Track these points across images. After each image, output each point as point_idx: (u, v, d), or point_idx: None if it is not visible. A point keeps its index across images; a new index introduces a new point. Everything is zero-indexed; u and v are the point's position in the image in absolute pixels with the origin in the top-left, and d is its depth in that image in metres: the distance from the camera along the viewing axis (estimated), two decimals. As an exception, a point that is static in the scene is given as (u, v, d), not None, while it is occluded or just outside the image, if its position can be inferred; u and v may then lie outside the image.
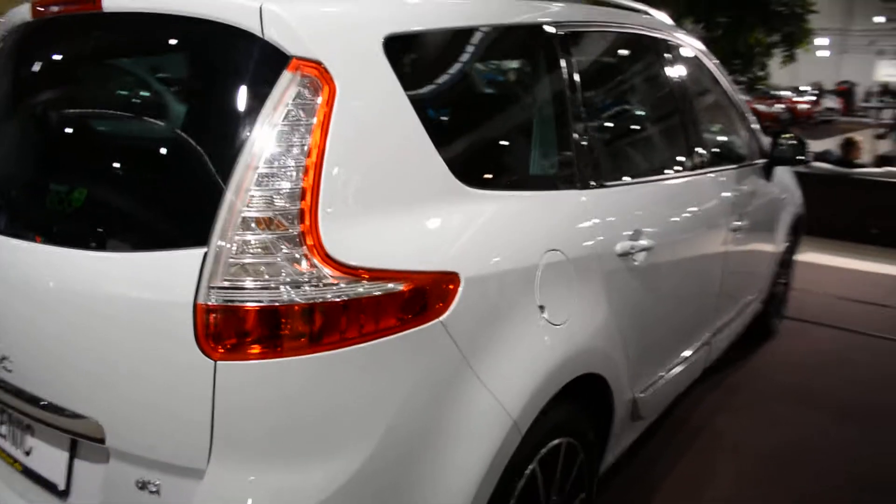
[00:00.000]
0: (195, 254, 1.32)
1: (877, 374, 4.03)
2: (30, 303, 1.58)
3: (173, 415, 1.38)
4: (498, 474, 1.63)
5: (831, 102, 30.12)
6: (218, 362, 1.31)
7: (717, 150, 3.24)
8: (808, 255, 6.42)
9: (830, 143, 10.64)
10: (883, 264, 6.48)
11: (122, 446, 1.45)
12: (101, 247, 1.50)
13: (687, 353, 2.86)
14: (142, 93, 1.74)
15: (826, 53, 42.81)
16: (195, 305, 1.31)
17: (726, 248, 3.04)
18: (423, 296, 1.46)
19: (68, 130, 1.82)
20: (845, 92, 31.86)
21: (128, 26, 1.63)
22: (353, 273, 1.36)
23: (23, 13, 1.86)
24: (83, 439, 1.54)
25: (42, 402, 1.56)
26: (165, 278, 1.35)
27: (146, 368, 1.39)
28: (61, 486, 1.61)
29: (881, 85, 34.57)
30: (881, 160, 9.51)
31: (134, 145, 1.64)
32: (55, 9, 1.72)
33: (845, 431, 3.33)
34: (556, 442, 1.87)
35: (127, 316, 1.39)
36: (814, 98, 27.92)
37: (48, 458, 1.65)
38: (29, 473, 1.69)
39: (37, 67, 1.88)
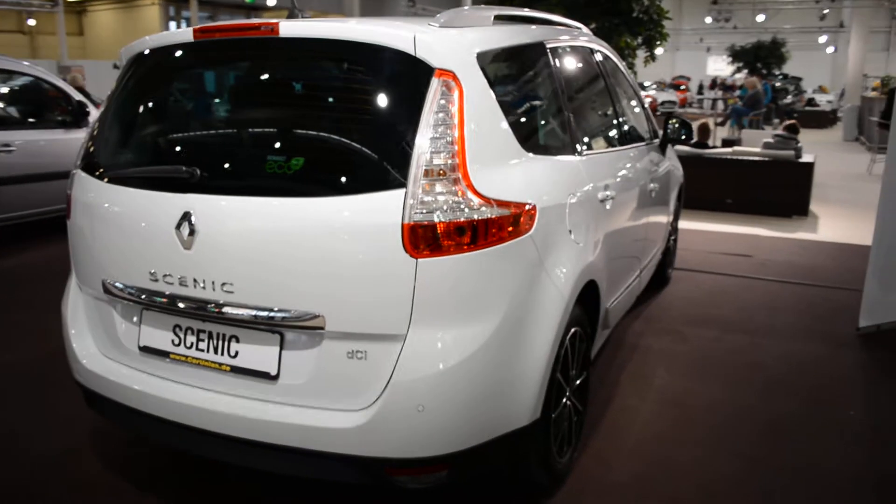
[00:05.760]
0: (398, 193, 2.09)
1: (748, 302, 5.25)
2: (258, 242, 2.18)
3: (385, 299, 2.11)
4: (559, 339, 2.48)
5: (670, 96, 33.16)
6: (418, 259, 2.08)
7: (635, 130, 4.25)
8: (681, 223, 7.71)
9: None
10: (739, 226, 7.92)
11: (341, 328, 2.14)
12: (329, 193, 2.14)
13: (630, 279, 3.85)
14: (336, 94, 2.43)
15: (660, 50, 46.59)
16: (402, 224, 2.08)
17: (646, 202, 4.05)
18: (521, 217, 2.30)
19: (289, 120, 2.44)
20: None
21: (300, 46, 2.36)
22: (489, 201, 2.18)
23: (173, 37, 2.55)
24: (307, 331, 2.19)
25: (264, 311, 2.20)
26: (381, 209, 2.09)
27: (366, 270, 2.10)
28: (273, 373, 2.25)
29: (713, 79, 38.19)
30: (726, 143, 11.16)
31: (339, 128, 2.31)
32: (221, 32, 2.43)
33: (732, 338, 4.48)
34: (574, 329, 2.74)
35: (354, 235, 2.10)
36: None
37: (258, 354, 2.27)
38: (238, 371, 2.30)
39: (223, 78, 2.63)
